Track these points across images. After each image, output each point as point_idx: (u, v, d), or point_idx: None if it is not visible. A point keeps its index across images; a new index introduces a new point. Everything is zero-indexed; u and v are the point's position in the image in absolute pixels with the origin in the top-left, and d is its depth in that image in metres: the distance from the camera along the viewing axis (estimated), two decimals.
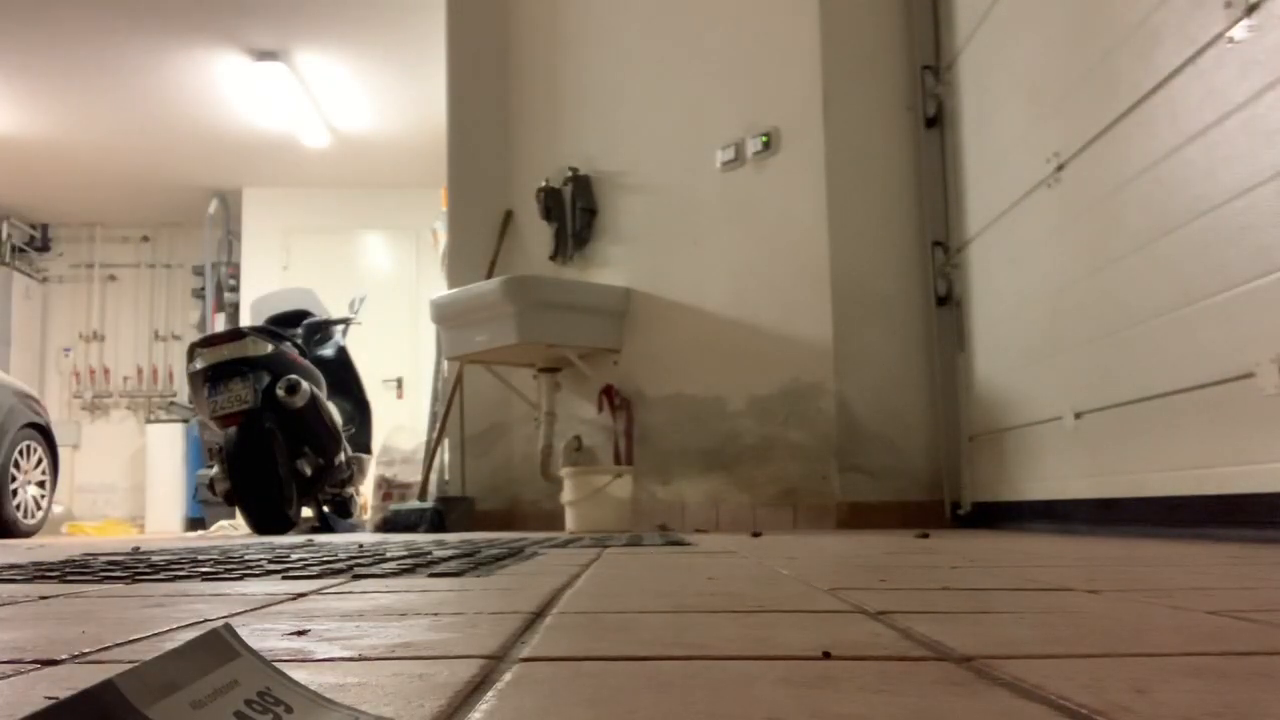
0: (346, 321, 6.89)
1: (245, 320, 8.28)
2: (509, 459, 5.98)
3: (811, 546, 2.66)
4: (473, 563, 1.98)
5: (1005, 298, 4.08)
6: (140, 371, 11.38)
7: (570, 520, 4.79)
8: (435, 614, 1.15)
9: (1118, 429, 3.18)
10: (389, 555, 2.32)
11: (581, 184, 5.70)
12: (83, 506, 10.85)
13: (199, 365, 5.49)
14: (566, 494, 4.81)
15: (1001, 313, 4.13)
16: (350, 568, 1.89)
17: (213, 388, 5.43)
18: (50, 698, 0.61)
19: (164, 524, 10.00)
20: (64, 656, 0.86)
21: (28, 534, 6.45)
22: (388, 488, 6.69)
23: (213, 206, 10.51)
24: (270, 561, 2.16)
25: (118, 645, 0.93)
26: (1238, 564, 1.83)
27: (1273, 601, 1.22)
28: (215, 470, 5.60)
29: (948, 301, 4.59)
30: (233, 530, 6.56)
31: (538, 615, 1.12)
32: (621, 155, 5.62)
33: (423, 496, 6.04)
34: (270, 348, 5.60)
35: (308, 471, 5.67)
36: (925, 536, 3.26)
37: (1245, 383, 2.49)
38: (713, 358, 5.03)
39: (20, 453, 6.41)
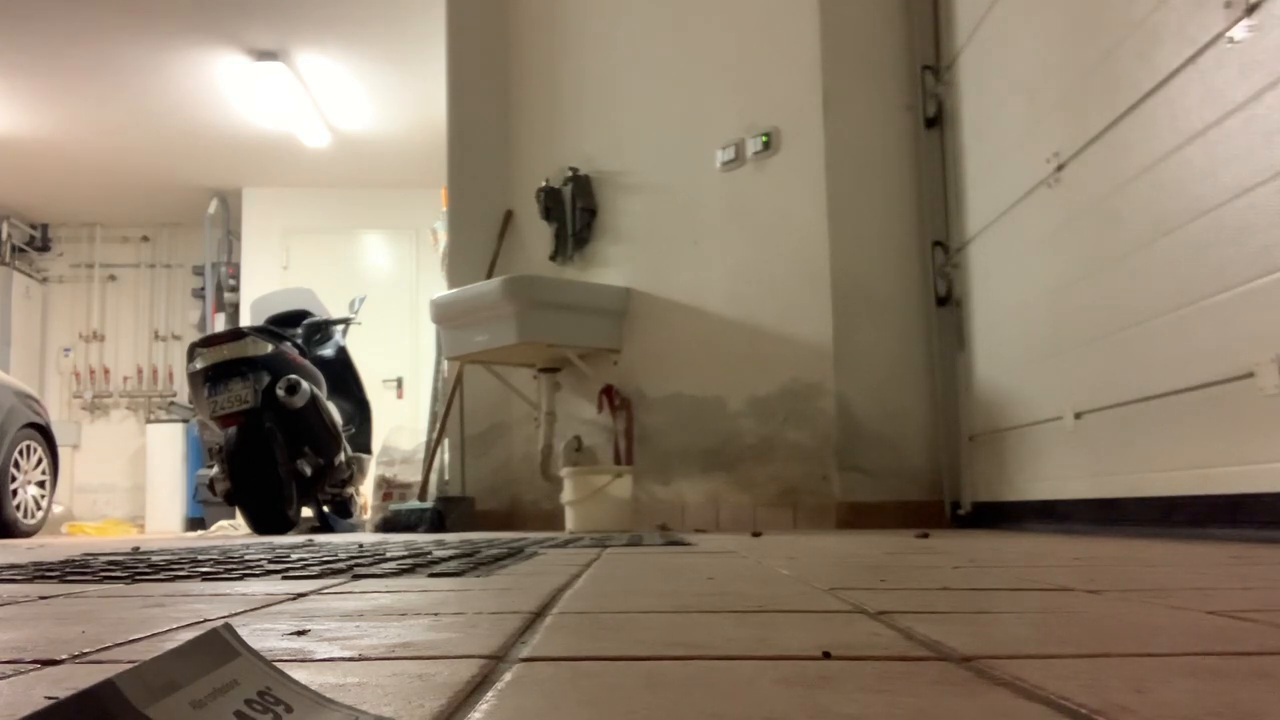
0: (346, 321, 6.89)
1: (245, 320, 8.29)
2: (509, 459, 5.98)
3: (811, 546, 2.66)
4: (472, 563, 1.98)
5: (1005, 298, 4.08)
6: (140, 371, 11.37)
7: (570, 520, 4.79)
8: (435, 614, 1.15)
9: (1118, 429, 3.18)
10: (389, 555, 2.32)
11: (581, 184, 5.70)
12: (83, 506, 10.85)
13: (199, 365, 5.49)
14: (566, 494, 4.81)
15: (1001, 313, 4.13)
16: (350, 568, 1.89)
17: (213, 388, 5.43)
18: (50, 698, 0.61)
19: (164, 524, 10.00)
20: (64, 656, 0.86)
21: (28, 534, 6.45)
22: (388, 488, 6.69)
23: (213, 206, 10.51)
24: (270, 561, 2.16)
25: (118, 645, 0.93)
26: (1238, 564, 1.83)
27: (1273, 601, 1.22)
28: (215, 470, 5.61)
29: (948, 301, 4.59)
30: (233, 530, 6.56)
31: (537, 615, 1.12)
32: (621, 155, 5.62)
33: (423, 496, 6.04)
34: (270, 348, 5.60)
35: (308, 471, 5.68)
36: (925, 536, 3.26)
37: (1245, 383, 2.49)
38: (713, 358, 5.03)
39: (20, 453, 6.41)
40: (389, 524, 5.67)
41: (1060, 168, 3.49)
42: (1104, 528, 3.24)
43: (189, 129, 8.97)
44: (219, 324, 10.24)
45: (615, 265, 5.59)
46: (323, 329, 6.69)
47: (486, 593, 1.41)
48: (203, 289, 10.97)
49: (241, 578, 1.74)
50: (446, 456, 6.14)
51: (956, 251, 4.54)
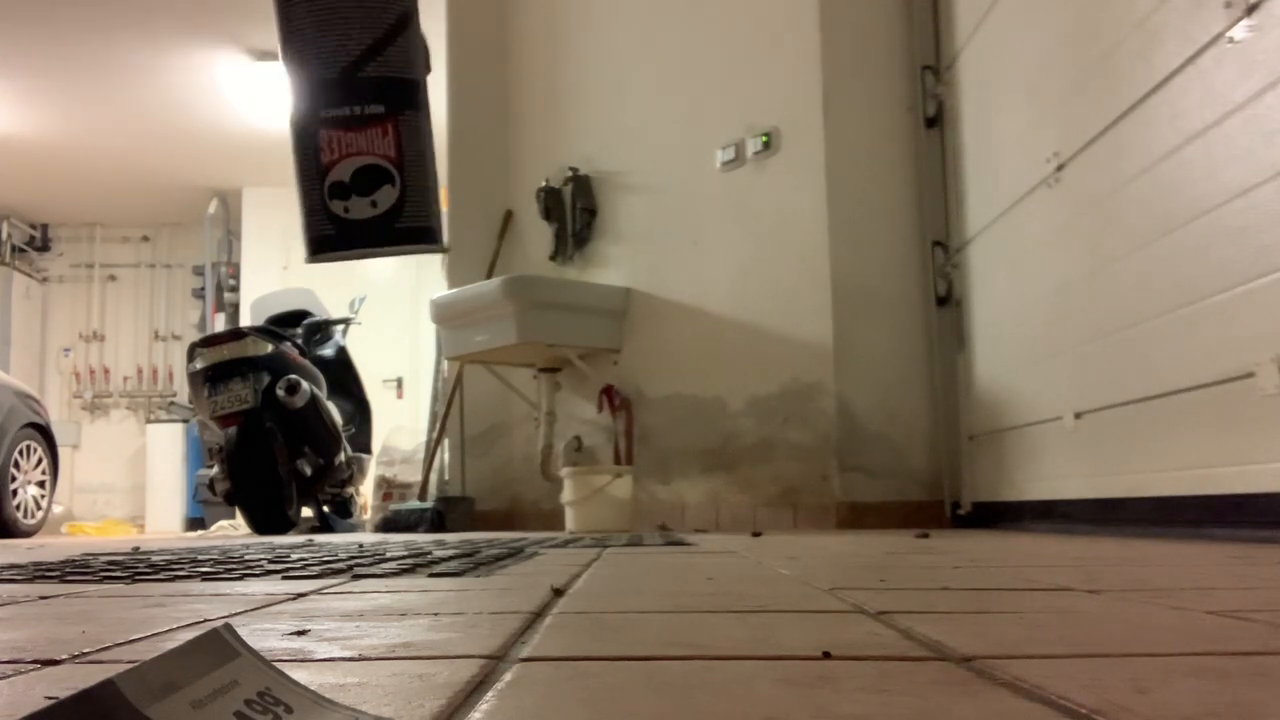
0: (346, 321, 6.89)
1: (245, 320, 8.29)
2: (509, 459, 5.98)
3: (811, 546, 2.66)
4: (473, 563, 1.98)
5: (1005, 298, 4.08)
6: (140, 371, 11.37)
7: (570, 520, 4.79)
8: (435, 614, 1.15)
9: (1118, 429, 3.18)
10: (389, 555, 2.32)
11: (581, 184, 5.70)
12: (83, 506, 10.85)
13: (199, 365, 5.49)
14: (566, 494, 4.81)
15: (1001, 313, 4.13)
16: (350, 568, 1.89)
17: (213, 388, 5.43)
18: (50, 698, 0.61)
19: (164, 524, 10.00)
20: (64, 656, 0.86)
21: (28, 534, 6.45)
22: (388, 488, 6.69)
23: (213, 206, 10.52)
24: (270, 561, 2.16)
25: (118, 645, 0.93)
26: (1238, 564, 1.83)
27: (1273, 601, 1.22)
28: (215, 470, 5.61)
29: (948, 301, 4.59)
30: (233, 530, 6.56)
31: (538, 615, 1.12)
32: (621, 155, 5.62)
33: (423, 496, 6.04)
34: (270, 348, 5.60)
35: (308, 471, 5.68)
36: (925, 536, 3.26)
37: (1245, 383, 2.49)
38: (713, 358, 5.03)
39: (20, 453, 6.41)
40: (389, 524, 5.66)
41: (1060, 168, 3.49)
42: (1104, 528, 3.24)
43: (189, 129, 8.97)
44: (219, 324, 10.24)
45: (615, 265, 5.59)
46: (323, 329, 6.69)
47: (486, 593, 1.41)
48: (203, 289, 10.97)
49: (241, 578, 1.74)
50: (446, 456, 6.14)
51: (956, 251, 4.54)
